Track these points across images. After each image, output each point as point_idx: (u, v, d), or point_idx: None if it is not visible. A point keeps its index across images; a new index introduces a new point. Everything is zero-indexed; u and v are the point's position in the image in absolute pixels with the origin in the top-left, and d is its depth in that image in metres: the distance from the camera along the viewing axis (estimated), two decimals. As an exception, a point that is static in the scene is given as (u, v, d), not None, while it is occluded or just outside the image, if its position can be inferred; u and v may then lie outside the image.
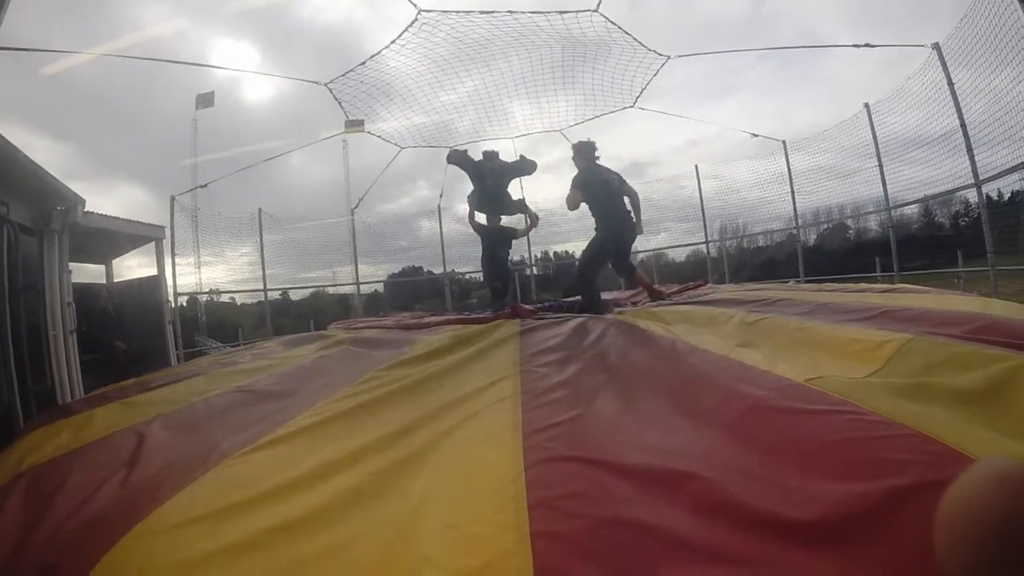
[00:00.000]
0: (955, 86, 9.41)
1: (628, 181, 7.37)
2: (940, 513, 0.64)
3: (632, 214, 7.20)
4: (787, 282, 11.31)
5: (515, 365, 2.96)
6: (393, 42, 10.82)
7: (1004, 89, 8.47)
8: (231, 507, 1.58)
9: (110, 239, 9.46)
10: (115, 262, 11.11)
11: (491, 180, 8.53)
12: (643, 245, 17.57)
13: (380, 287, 19.99)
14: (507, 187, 9.06)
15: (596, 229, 7.19)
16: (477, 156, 8.73)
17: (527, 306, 5.59)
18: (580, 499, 1.43)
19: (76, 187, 6.94)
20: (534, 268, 19.25)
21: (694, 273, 18.32)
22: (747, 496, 1.37)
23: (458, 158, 8.81)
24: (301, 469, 1.76)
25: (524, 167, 9.12)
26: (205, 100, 11.67)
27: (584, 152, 7.37)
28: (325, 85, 11.94)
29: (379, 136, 14.46)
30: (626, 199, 7.27)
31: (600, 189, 7.06)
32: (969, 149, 9.09)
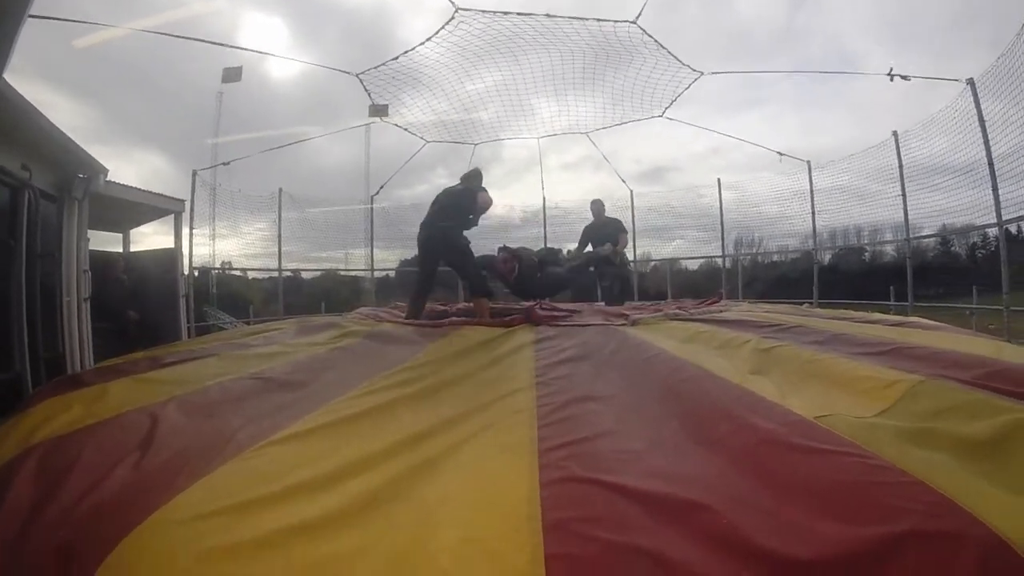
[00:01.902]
0: (985, 115, 9.25)
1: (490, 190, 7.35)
2: None
3: (444, 224, 6.98)
4: (801, 304, 11.22)
5: (531, 376, 2.99)
6: (429, 39, 10.83)
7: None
8: (249, 503, 1.60)
9: (130, 209, 9.42)
10: (131, 231, 11.14)
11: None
12: (657, 252, 17.52)
13: (392, 273, 19.87)
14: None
15: None
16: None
17: (542, 311, 5.57)
18: (594, 523, 1.45)
19: (97, 151, 6.90)
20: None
21: (706, 282, 18.25)
22: (752, 530, 1.39)
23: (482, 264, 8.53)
24: (319, 469, 1.78)
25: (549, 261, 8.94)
26: (232, 75, 11.61)
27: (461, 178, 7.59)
28: (357, 76, 11.94)
29: (404, 128, 14.45)
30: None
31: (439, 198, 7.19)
32: (995, 188, 8.99)
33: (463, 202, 7.07)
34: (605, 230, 9.70)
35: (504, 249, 8.08)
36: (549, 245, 8.76)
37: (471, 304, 7.57)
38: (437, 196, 7.22)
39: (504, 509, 1.54)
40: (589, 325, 4.72)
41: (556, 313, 5.98)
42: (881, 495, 1.50)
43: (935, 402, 2.23)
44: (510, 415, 2.33)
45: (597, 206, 10.19)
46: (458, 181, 7.51)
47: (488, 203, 7.26)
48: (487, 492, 1.66)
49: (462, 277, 7.05)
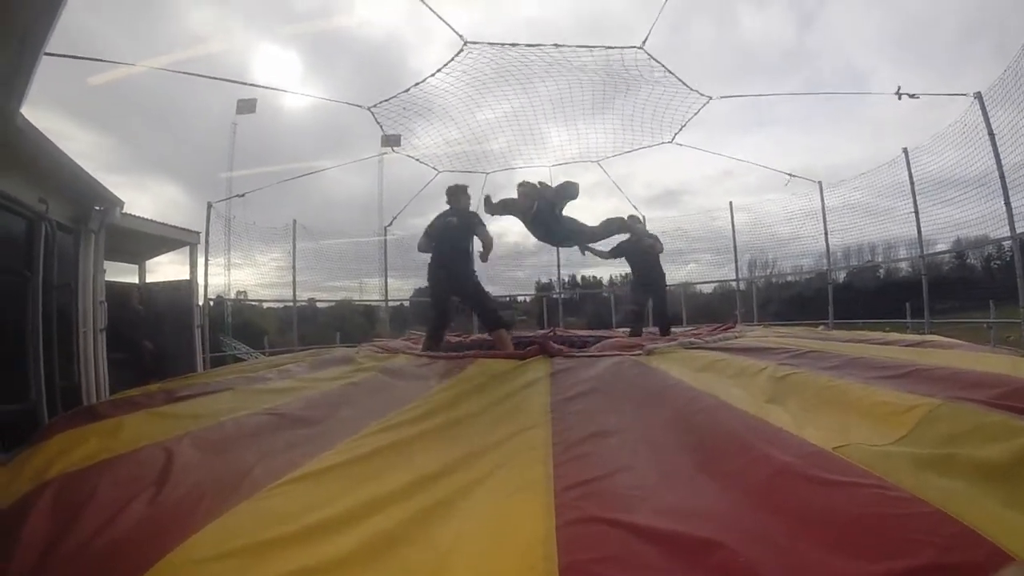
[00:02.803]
0: (994, 128, 9.31)
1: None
2: None
3: (450, 263, 6.87)
4: (817, 325, 11.10)
5: (546, 412, 2.96)
6: (439, 71, 10.92)
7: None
8: (263, 544, 1.60)
9: (145, 241, 9.53)
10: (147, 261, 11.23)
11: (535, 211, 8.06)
12: (672, 276, 17.47)
13: (406, 302, 19.82)
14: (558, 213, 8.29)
15: None
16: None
17: (555, 344, 5.50)
18: (609, 564, 1.44)
19: (114, 180, 6.97)
20: (561, 293, 19.16)
21: (721, 304, 18.17)
22: (769, 568, 1.37)
23: (500, 209, 8.22)
24: (333, 509, 1.77)
25: (568, 191, 8.35)
26: (246, 106, 11.68)
27: (447, 196, 7.31)
28: (368, 109, 12.03)
29: (416, 159, 14.53)
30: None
31: (437, 232, 6.95)
32: (1007, 202, 9.02)
33: (458, 232, 6.92)
34: (641, 245, 9.38)
35: (524, 184, 7.93)
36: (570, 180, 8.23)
37: (486, 335, 7.52)
38: (428, 227, 7.08)
39: (519, 550, 1.53)
40: (604, 355, 4.70)
41: (572, 341, 5.96)
42: (900, 527, 1.48)
43: (954, 426, 2.22)
44: (525, 452, 2.31)
45: (633, 222, 9.72)
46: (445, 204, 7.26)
47: (490, 244, 6.95)
48: (502, 533, 1.64)
49: (477, 314, 6.93)
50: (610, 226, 9.17)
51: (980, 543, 1.38)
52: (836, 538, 1.48)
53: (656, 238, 9.71)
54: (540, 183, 7.97)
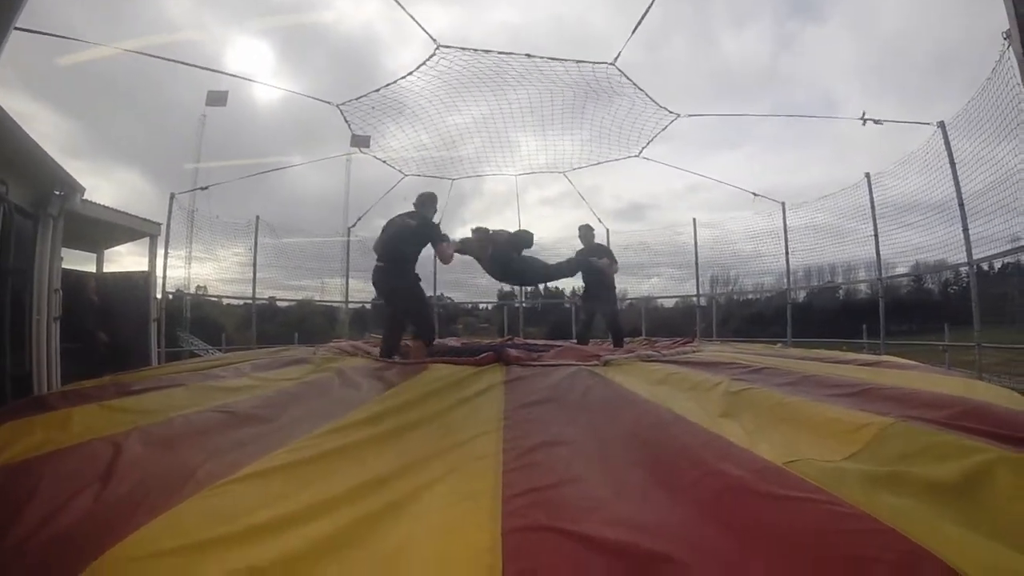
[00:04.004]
0: (956, 156, 9.49)
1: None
2: None
3: (393, 265, 6.72)
4: (775, 343, 11.19)
5: (498, 419, 2.94)
6: (410, 74, 10.87)
7: (1002, 160, 8.44)
8: (206, 543, 1.56)
9: (105, 229, 9.34)
10: (106, 251, 11.00)
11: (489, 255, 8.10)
12: (634, 290, 17.50)
13: (368, 304, 19.55)
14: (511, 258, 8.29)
15: None
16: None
17: (513, 350, 5.48)
18: (554, 573, 1.43)
19: (77, 166, 6.85)
20: (523, 302, 19.16)
21: (682, 319, 18.24)
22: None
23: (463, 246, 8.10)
24: (279, 510, 1.74)
25: (521, 240, 8.46)
26: (217, 98, 11.43)
27: (416, 201, 7.29)
28: (338, 106, 11.92)
29: (383, 160, 14.39)
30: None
31: (391, 230, 6.91)
32: (965, 228, 9.19)
33: (414, 236, 6.75)
34: (598, 255, 9.54)
35: (478, 230, 7.89)
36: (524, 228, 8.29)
37: (448, 341, 7.44)
38: (386, 225, 7.02)
39: (465, 559, 1.51)
40: (560, 366, 4.71)
41: (529, 351, 5.95)
42: (850, 544, 1.49)
43: (906, 444, 2.25)
44: (475, 460, 2.29)
45: (586, 231, 10.08)
46: (411, 207, 7.21)
47: (449, 259, 7.14)
48: (447, 541, 1.62)
49: (410, 321, 6.79)
50: (582, 265, 9.30)
51: (930, 561, 1.39)
52: (786, 554, 1.48)
53: (612, 256, 9.87)
54: (493, 230, 7.96)
